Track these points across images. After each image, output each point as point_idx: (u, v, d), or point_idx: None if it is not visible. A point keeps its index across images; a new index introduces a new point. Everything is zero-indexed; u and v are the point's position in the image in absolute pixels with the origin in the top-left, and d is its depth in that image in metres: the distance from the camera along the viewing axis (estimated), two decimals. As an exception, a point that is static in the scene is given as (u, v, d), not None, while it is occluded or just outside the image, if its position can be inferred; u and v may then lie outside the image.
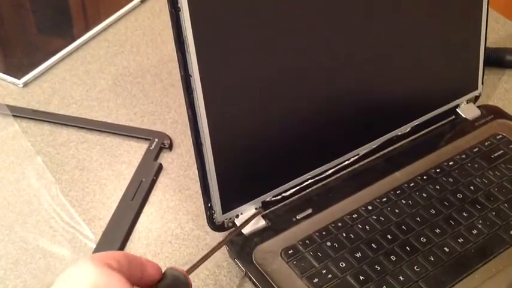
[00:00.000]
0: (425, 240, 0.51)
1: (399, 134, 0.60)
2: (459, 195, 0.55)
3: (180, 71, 0.44)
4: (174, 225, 0.55)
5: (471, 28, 0.61)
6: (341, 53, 0.52)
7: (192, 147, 0.47)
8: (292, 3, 0.47)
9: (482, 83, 0.65)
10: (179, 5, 0.41)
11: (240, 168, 0.50)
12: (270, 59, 0.48)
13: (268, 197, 0.53)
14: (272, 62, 0.48)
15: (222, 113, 0.47)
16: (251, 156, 0.50)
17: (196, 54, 0.43)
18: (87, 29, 0.78)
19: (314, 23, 0.49)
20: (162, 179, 0.60)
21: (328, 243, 0.50)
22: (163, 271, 0.40)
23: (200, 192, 0.49)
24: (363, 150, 0.58)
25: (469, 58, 0.63)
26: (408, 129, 0.61)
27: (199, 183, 0.48)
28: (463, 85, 0.64)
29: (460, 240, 0.51)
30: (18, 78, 0.70)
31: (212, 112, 0.46)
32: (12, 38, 0.79)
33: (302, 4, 0.48)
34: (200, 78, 0.44)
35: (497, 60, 0.75)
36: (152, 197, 0.58)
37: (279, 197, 0.54)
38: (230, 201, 0.51)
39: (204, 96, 0.45)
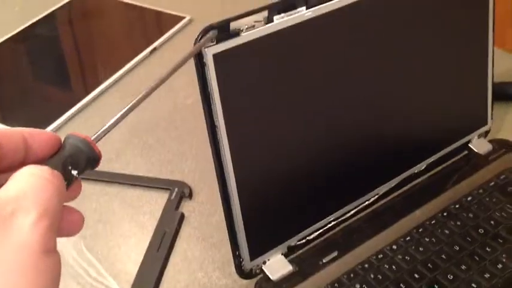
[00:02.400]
0: (452, 277, 0.51)
1: (416, 171, 0.61)
2: (481, 230, 0.55)
3: (206, 122, 0.45)
4: (201, 274, 0.55)
5: (478, 66, 0.63)
6: (358, 99, 0.53)
7: (212, 195, 0.48)
8: (310, 60, 0.49)
9: (492, 118, 0.66)
10: (205, 61, 0.43)
11: (266, 215, 0.51)
12: (292, 108, 0.49)
13: (293, 241, 0.54)
14: (294, 111, 0.49)
15: (247, 162, 0.48)
16: (276, 202, 0.51)
17: (222, 106, 0.45)
18: (99, 82, 0.80)
19: (331, 72, 0.51)
20: (184, 228, 0.60)
21: (357, 286, 0.51)
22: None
23: (224, 239, 0.50)
24: (382, 189, 0.59)
25: (478, 94, 0.65)
26: (424, 167, 0.62)
27: (223, 231, 0.49)
28: (473, 121, 0.66)
29: (487, 275, 0.51)
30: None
31: (238, 161, 0.47)
32: (28, 91, 0.81)
33: (320, 57, 0.49)
34: (226, 129, 0.45)
35: (502, 94, 0.76)
36: (177, 247, 0.58)
37: (304, 240, 0.54)
38: (257, 248, 0.51)
39: (229, 146, 0.46)
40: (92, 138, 0.31)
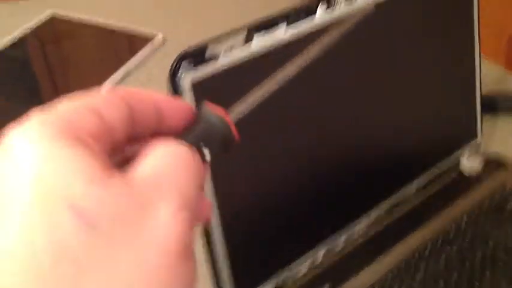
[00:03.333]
0: (452, 306, 0.48)
1: (407, 194, 0.58)
2: (478, 253, 0.53)
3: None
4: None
5: (466, 79, 0.61)
6: (345, 121, 0.50)
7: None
8: (294, 81, 0.45)
9: (481, 132, 0.64)
10: (181, 90, 0.39)
11: (253, 249, 0.48)
12: (276, 136, 0.46)
13: (282, 276, 0.50)
14: (278, 138, 0.46)
15: (230, 193, 0.45)
16: (262, 234, 0.48)
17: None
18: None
19: (316, 95, 0.47)
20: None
21: (353, 321, 0.47)
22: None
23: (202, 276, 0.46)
24: (371, 215, 0.56)
25: (467, 107, 0.62)
26: (414, 186, 0.59)
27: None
28: (463, 135, 0.63)
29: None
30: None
31: (220, 193, 0.43)
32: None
33: (304, 78, 0.46)
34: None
35: (489, 106, 0.74)
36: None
37: (293, 273, 0.51)
38: (244, 286, 0.48)
39: (210, 177, 0.43)
40: (230, 113, 0.26)
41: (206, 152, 0.24)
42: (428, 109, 0.59)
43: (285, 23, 0.43)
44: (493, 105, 0.74)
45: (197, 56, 0.39)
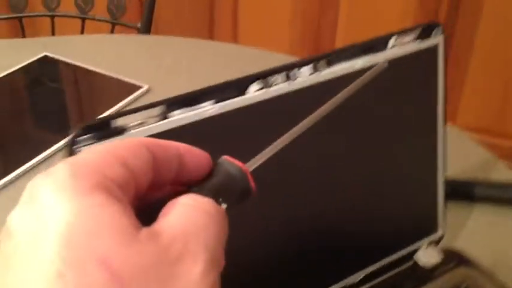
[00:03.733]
0: None
1: (352, 283, 0.55)
2: None
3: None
4: None
5: (427, 165, 0.58)
6: (303, 205, 0.48)
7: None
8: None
9: (444, 223, 0.60)
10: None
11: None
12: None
13: None
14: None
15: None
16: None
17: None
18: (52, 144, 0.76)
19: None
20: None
21: None
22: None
23: None
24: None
25: (426, 198, 0.59)
26: (361, 277, 0.56)
27: None
28: (421, 228, 0.60)
29: None
30: None
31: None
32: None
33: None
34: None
35: (466, 193, 0.71)
36: None
37: None
38: None
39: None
40: (247, 166, 0.26)
41: (224, 205, 0.24)
42: (387, 197, 0.56)
43: (211, 101, 0.42)
44: (469, 194, 0.70)
45: (100, 129, 0.37)
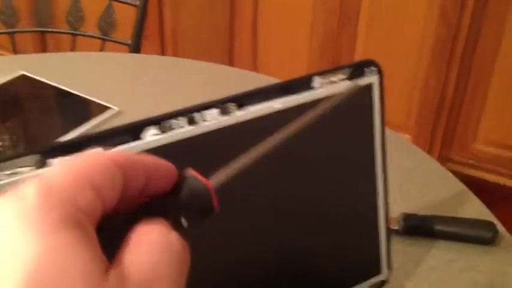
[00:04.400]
0: None
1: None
2: None
3: None
4: None
5: (366, 205, 0.55)
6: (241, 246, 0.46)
7: None
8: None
9: (390, 267, 0.58)
10: None
11: None
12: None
13: None
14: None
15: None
16: None
17: None
18: None
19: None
20: None
21: None
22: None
23: None
24: None
25: (368, 239, 0.56)
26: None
27: None
28: (362, 270, 0.57)
29: None
30: None
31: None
32: None
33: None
34: None
35: (426, 230, 0.67)
36: None
37: None
38: None
39: None
40: (210, 181, 0.25)
41: (185, 222, 0.24)
42: (328, 237, 0.53)
43: (101, 146, 0.40)
44: (429, 230, 0.67)
45: None
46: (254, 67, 2.07)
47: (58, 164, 0.23)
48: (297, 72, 2.04)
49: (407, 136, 1.87)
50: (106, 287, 0.19)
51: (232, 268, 0.49)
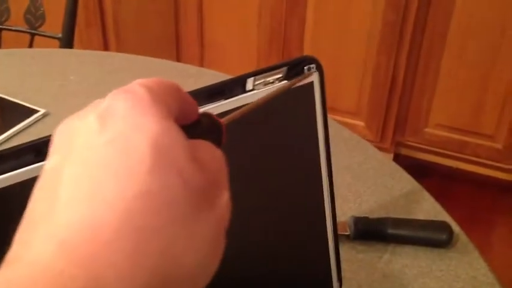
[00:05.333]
0: None
1: None
2: None
3: None
4: None
5: (313, 212, 0.50)
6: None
7: None
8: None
9: (340, 280, 0.53)
10: None
11: None
12: None
13: None
14: None
15: None
16: None
17: None
18: None
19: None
20: None
21: None
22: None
23: None
24: None
25: (316, 249, 0.51)
26: None
27: None
28: (312, 285, 0.52)
29: None
30: None
31: None
32: None
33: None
34: None
35: (378, 234, 0.63)
36: None
37: None
38: None
39: None
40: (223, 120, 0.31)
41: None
42: (277, 246, 0.48)
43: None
44: (382, 233, 0.63)
45: None
46: (201, 57, 2.00)
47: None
48: (246, 58, 1.98)
49: (359, 123, 1.84)
50: (197, 163, 0.25)
51: None
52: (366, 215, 0.65)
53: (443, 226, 0.62)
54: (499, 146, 1.73)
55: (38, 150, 0.35)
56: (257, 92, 0.43)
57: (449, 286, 0.58)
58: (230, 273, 0.46)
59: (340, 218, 0.51)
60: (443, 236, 0.61)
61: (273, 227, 0.48)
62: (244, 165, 0.44)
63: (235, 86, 0.43)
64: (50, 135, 0.36)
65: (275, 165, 0.47)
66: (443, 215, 0.66)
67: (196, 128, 0.29)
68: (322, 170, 0.49)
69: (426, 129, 1.80)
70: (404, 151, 1.86)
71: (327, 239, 0.52)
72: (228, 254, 0.46)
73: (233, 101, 0.42)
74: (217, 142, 0.29)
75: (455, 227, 0.64)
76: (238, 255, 0.46)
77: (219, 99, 0.42)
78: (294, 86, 0.45)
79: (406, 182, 0.71)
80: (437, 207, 0.67)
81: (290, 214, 0.49)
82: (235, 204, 0.46)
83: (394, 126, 1.82)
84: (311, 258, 0.52)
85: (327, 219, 0.51)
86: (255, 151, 0.45)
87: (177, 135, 0.24)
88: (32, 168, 0.35)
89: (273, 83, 0.44)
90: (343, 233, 0.62)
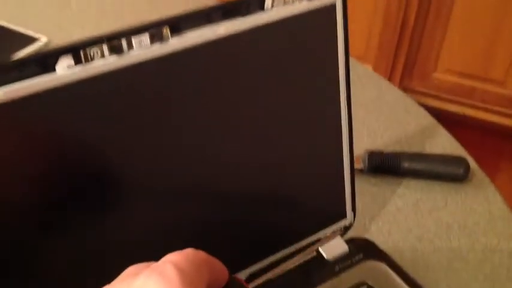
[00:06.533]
0: None
1: (253, 274, 0.47)
2: None
3: None
4: None
5: (329, 140, 0.48)
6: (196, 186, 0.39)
7: None
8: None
9: (354, 210, 0.52)
10: None
11: None
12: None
13: None
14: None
15: None
16: None
17: None
18: None
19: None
20: None
21: None
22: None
23: None
24: None
25: (331, 179, 0.50)
26: (254, 270, 0.48)
27: None
28: (326, 214, 0.51)
29: None
30: None
31: None
32: None
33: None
34: None
35: (392, 168, 0.62)
36: None
37: None
38: None
39: None
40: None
41: None
42: (287, 178, 0.47)
43: None
44: (396, 168, 0.62)
45: None
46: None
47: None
48: None
49: (366, 66, 1.81)
50: None
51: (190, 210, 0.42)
52: (380, 150, 0.63)
53: (459, 160, 0.61)
54: (508, 92, 1.70)
55: (43, 62, 0.33)
56: (276, 10, 0.41)
57: (464, 220, 0.57)
58: (247, 193, 0.45)
59: (354, 152, 0.50)
60: (460, 170, 0.60)
61: (292, 154, 0.46)
62: (261, 89, 0.43)
63: (253, 3, 0.40)
64: (55, 48, 0.35)
65: (294, 91, 0.45)
66: (460, 151, 0.64)
67: None
68: (341, 100, 0.48)
69: (434, 74, 1.77)
70: (411, 97, 1.83)
71: (343, 171, 0.50)
72: (247, 176, 0.44)
73: (251, 19, 0.40)
74: None
75: (472, 162, 0.62)
76: (259, 180, 0.45)
77: (236, 16, 0.40)
78: (315, 7, 0.43)
79: (421, 117, 0.69)
80: (454, 142, 0.65)
81: (308, 143, 0.47)
82: (254, 122, 0.45)
83: (402, 70, 1.79)
84: (327, 188, 0.50)
85: (343, 151, 0.49)
86: (273, 74, 0.43)
87: None
88: (36, 81, 0.33)
89: (293, 2, 0.42)
90: (357, 167, 0.61)
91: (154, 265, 0.28)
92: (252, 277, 0.48)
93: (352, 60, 0.79)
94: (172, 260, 0.28)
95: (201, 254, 0.30)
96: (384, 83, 0.76)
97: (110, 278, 0.30)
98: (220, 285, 0.31)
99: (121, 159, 0.38)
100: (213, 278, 0.29)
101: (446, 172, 0.60)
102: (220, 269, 0.31)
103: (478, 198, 0.59)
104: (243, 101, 0.42)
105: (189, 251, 0.29)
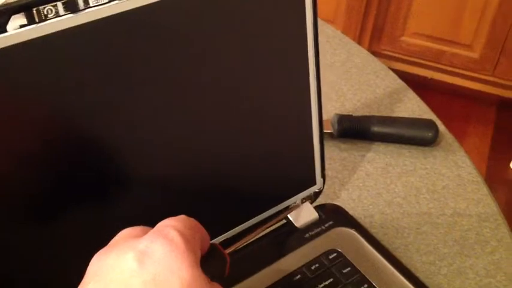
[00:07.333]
0: None
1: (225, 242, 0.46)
2: None
3: None
4: None
5: (297, 106, 0.47)
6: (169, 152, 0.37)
7: None
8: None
9: (323, 176, 0.51)
10: None
11: None
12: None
13: None
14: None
15: None
16: None
17: None
18: None
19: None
20: None
21: None
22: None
23: None
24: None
25: (300, 146, 0.49)
26: (224, 238, 0.46)
27: None
28: (295, 181, 0.50)
29: None
30: None
31: None
32: None
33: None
34: None
35: (362, 132, 0.61)
36: None
37: None
38: None
39: None
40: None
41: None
42: (257, 145, 0.45)
43: None
44: (366, 131, 0.61)
45: None
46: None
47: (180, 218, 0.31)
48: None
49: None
50: None
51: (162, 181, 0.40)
52: (349, 113, 0.62)
53: (428, 124, 0.60)
54: (475, 55, 1.71)
55: None
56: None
57: (433, 184, 0.57)
58: (216, 162, 0.44)
59: (323, 116, 0.48)
60: (429, 134, 0.59)
61: (259, 118, 0.45)
62: (226, 50, 0.41)
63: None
64: (6, 6, 0.32)
65: (261, 53, 0.43)
66: (429, 114, 0.64)
67: (208, 259, 0.32)
68: (309, 62, 0.46)
69: (403, 38, 1.76)
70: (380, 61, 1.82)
71: (312, 136, 0.49)
72: (215, 143, 0.43)
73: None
74: (223, 270, 0.34)
75: (441, 126, 0.62)
76: (226, 147, 0.43)
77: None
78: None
79: (391, 80, 0.68)
80: (423, 105, 0.65)
81: (276, 107, 0.46)
82: (222, 92, 0.43)
83: (370, 34, 1.77)
84: (296, 154, 0.49)
85: (312, 115, 0.48)
86: (240, 35, 0.41)
87: (202, 283, 0.29)
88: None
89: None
90: (326, 130, 0.60)
91: (156, 229, 0.30)
92: (223, 246, 0.47)
93: (320, 22, 0.78)
94: (173, 225, 0.30)
95: (193, 221, 0.32)
96: (353, 45, 0.75)
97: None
98: (204, 250, 0.32)
99: (80, 124, 0.36)
100: (202, 244, 0.32)
101: (415, 135, 0.59)
102: (205, 235, 0.33)
103: (447, 162, 0.59)
104: (208, 62, 0.40)
105: (184, 217, 0.31)
